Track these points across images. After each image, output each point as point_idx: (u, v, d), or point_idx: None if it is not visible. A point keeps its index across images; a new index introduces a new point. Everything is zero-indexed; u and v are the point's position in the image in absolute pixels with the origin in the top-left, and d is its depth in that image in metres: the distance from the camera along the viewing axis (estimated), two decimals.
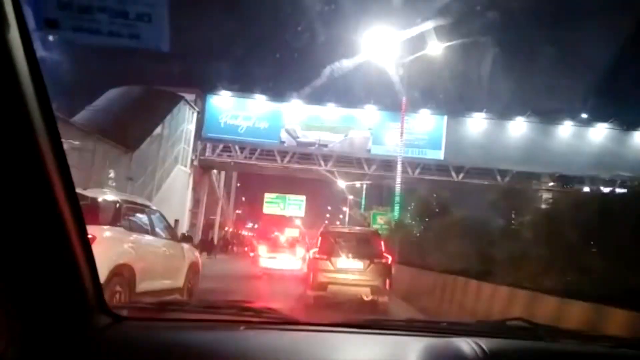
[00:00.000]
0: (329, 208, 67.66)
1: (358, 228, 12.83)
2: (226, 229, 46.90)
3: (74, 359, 1.09)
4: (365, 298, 8.59)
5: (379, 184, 33.65)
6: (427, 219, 16.31)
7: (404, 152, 31.29)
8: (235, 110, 32.60)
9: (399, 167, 23.73)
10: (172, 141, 28.75)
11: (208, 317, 1.51)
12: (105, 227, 5.53)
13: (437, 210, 15.56)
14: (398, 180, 23.64)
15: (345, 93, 33.23)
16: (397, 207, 23.54)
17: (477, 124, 33.09)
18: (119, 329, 1.27)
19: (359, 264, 8.70)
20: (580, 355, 1.28)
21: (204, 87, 32.93)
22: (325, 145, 32.50)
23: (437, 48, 21.43)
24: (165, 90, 29.10)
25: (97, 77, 35.46)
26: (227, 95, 32.92)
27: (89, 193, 5.87)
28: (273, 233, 25.82)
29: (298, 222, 49.00)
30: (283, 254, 16.15)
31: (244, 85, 32.82)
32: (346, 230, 11.26)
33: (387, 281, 8.70)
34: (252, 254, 20.39)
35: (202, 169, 33.71)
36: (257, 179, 55.29)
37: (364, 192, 37.15)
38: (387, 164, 32.10)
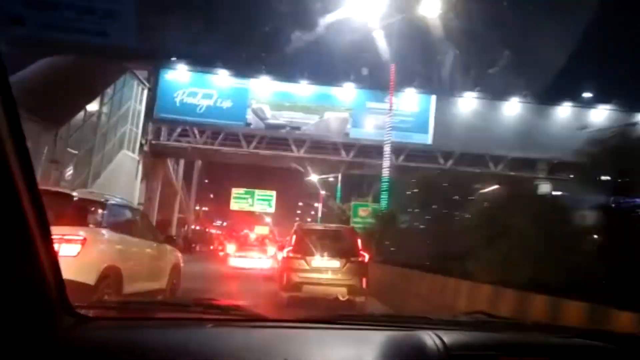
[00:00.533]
0: (300, 204, 65.36)
1: (333, 225, 11.96)
2: (186, 227, 42.61)
3: (36, 358, 1.07)
4: (341, 298, 8.32)
5: (359, 173, 29.76)
6: (430, 209, 12.71)
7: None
8: (194, 87, 28.07)
9: (388, 150, 19.95)
10: (114, 120, 24.14)
11: (175, 315, 1.49)
12: (94, 228, 5.43)
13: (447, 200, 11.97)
14: (386, 164, 19.91)
15: (321, 69, 29.17)
16: (384, 197, 19.75)
17: (468, 105, 29.54)
18: (84, 330, 1.25)
19: (334, 263, 8.49)
20: (537, 346, 1.29)
21: (157, 61, 28.26)
22: (298, 128, 28.37)
23: (424, 18, 18.21)
24: (106, 61, 24.37)
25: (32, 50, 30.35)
26: (183, 70, 28.31)
27: (77, 193, 5.68)
28: (242, 231, 25.19)
29: (268, 219, 48.80)
30: (253, 252, 15.94)
31: (203, 59, 28.32)
32: (321, 227, 10.92)
33: (364, 280, 8.49)
34: (221, 253, 19.66)
35: (155, 156, 29.10)
36: (222, 170, 51.56)
37: (339, 182, 33.24)
38: (368, 150, 28.32)
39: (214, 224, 71.46)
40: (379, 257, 14.70)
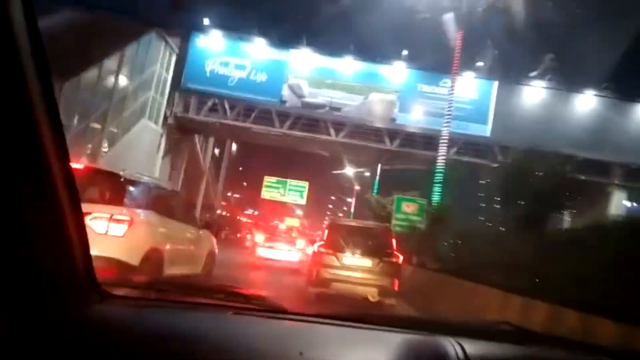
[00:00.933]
0: (333, 198, 63.71)
1: (368, 223, 11.18)
2: (218, 212, 40.73)
3: (61, 334, 1.07)
4: (371, 299, 7.97)
5: (401, 167, 26.48)
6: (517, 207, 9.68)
7: (440, 123, 24.23)
8: (227, 56, 25.38)
9: (446, 134, 16.97)
10: (135, 85, 21.69)
11: (198, 300, 1.50)
12: (139, 210, 5.40)
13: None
14: (442, 152, 16.98)
15: (369, 44, 26.03)
16: (437, 191, 16.64)
17: (535, 95, 25.73)
18: (108, 307, 1.25)
19: (366, 262, 8.17)
20: None
21: (188, 26, 25.73)
22: (338, 109, 25.30)
23: None
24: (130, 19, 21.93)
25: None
26: (217, 36, 25.63)
27: (125, 174, 5.55)
28: (272, 221, 23.95)
29: (299, 211, 47.89)
30: (282, 244, 15.35)
31: (239, 25, 25.62)
32: (355, 224, 10.34)
33: (396, 282, 8.15)
34: (249, 243, 19.35)
35: (181, 130, 26.65)
36: (253, 154, 50.02)
37: (378, 173, 30.04)
38: (414, 139, 25.05)
39: (245, 212, 71.54)
40: (434, 263, 11.63)
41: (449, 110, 17.52)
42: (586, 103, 25.73)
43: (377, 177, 29.44)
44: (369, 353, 1.21)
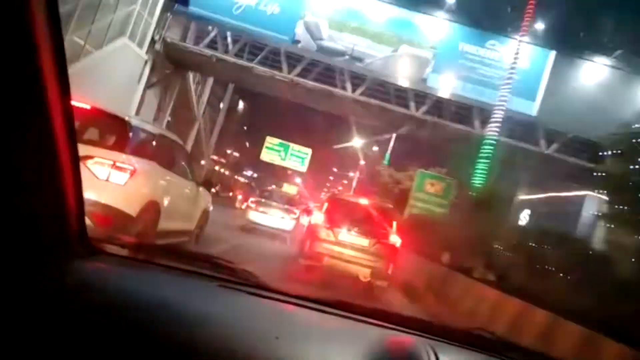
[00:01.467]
0: (335, 170, 62.29)
1: (370, 200, 9.74)
2: (202, 162, 37.40)
3: (41, 286, 1.03)
4: (362, 279, 7.84)
5: (426, 136, 22.46)
6: None
7: (479, 92, 20.13)
8: None
9: (505, 96, 12.92)
10: None
11: (184, 266, 1.46)
12: (143, 160, 5.17)
13: None
14: (494, 125, 13.18)
15: None
16: (481, 169, 12.86)
17: (596, 73, 21.45)
18: (95, 263, 1.22)
19: (363, 241, 8.02)
20: None
21: None
22: (360, 60, 21.08)
23: None
24: None
25: None
26: None
27: (131, 119, 5.28)
28: (270, 186, 24.59)
29: (298, 180, 47.48)
30: (276, 210, 14.45)
31: None
32: (356, 200, 9.64)
33: (391, 265, 7.94)
34: (243, 205, 19.05)
35: (172, 63, 22.52)
36: (253, 105, 47.63)
37: (392, 140, 26.01)
38: (444, 107, 21.00)
39: (244, 172, 69.62)
40: (485, 271, 7.83)
41: (509, 78, 13.54)
42: None
43: (391, 146, 25.50)
44: (345, 344, 1.19)
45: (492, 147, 13.58)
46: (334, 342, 1.19)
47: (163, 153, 5.88)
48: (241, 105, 58.46)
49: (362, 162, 34.19)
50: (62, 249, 1.11)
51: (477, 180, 13.29)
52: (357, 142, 36.88)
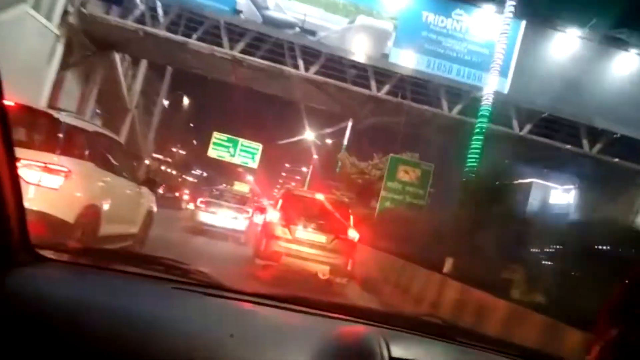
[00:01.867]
0: (287, 166, 61.97)
1: (326, 195, 9.60)
2: (147, 162, 34.77)
3: None
4: (321, 276, 7.75)
5: (389, 122, 20.15)
6: None
7: (446, 69, 18.02)
8: None
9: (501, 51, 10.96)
10: None
11: (134, 270, 1.40)
12: (78, 161, 4.85)
13: None
14: (493, 81, 11.77)
15: None
16: (475, 150, 10.83)
17: (568, 46, 19.78)
18: (41, 271, 1.19)
19: (321, 237, 7.85)
20: None
21: None
22: (313, 33, 18.44)
23: None
24: None
25: None
26: None
27: (63, 116, 4.94)
28: (220, 184, 23.55)
29: (250, 177, 46.28)
30: (227, 210, 14.04)
31: None
32: (312, 196, 9.38)
33: (350, 261, 7.86)
34: (190, 205, 18.78)
35: (93, 41, 19.09)
36: (198, 97, 45.63)
37: (348, 130, 23.71)
38: (405, 87, 18.78)
39: (193, 172, 66.99)
40: (527, 292, 5.40)
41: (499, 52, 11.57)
42: (632, 64, 20.02)
43: (349, 131, 23.14)
44: (299, 339, 1.20)
45: (488, 113, 11.53)
46: (289, 337, 1.18)
47: (100, 152, 5.52)
48: (186, 101, 56.03)
49: (315, 157, 33.31)
50: (3, 256, 1.07)
51: (471, 163, 11.07)
52: (311, 134, 34.87)
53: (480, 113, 11.74)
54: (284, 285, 7.10)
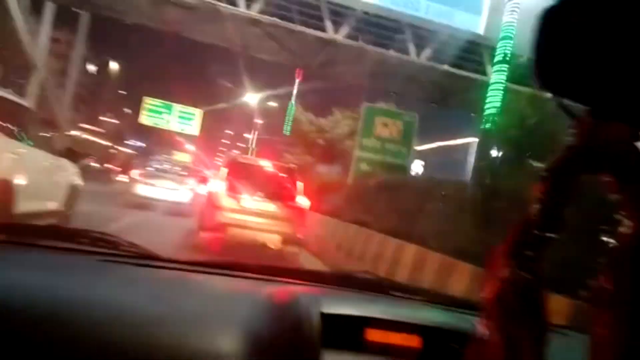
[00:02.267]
0: (230, 133, 60.32)
1: (273, 162, 9.34)
2: (73, 132, 31.77)
3: None
4: (272, 246, 7.49)
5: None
6: None
7: (414, 6, 15.43)
8: None
9: None
10: None
11: (58, 244, 1.34)
12: None
13: None
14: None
15: None
16: (494, 97, 8.55)
17: None
18: None
19: (269, 206, 7.59)
20: (407, 322, 1.23)
21: None
22: None
23: None
24: None
25: None
26: None
27: None
28: (158, 154, 21.99)
29: (191, 147, 44.68)
30: (167, 181, 13.43)
31: None
32: (258, 163, 9.24)
33: (301, 229, 7.66)
34: (125, 177, 17.28)
35: None
36: (126, 61, 43.25)
37: (296, 82, 20.75)
38: (369, 26, 16.07)
39: (127, 142, 63.46)
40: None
41: None
42: None
43: (297, 84, 20.16)
44: (235, 302, 1.19)
45: (508, 54, 9.43)
46: (225, 301, 1.18)
47: (6, 120, 4.99)
48: (115, 66, 51.70)
49: (260, 121, 31.69)
50: None
51: (488, 110, 8.79)
52: (255, 96, 31.77)
53: (500, 52, 9.53)
54: (231, 257, 5.30)
